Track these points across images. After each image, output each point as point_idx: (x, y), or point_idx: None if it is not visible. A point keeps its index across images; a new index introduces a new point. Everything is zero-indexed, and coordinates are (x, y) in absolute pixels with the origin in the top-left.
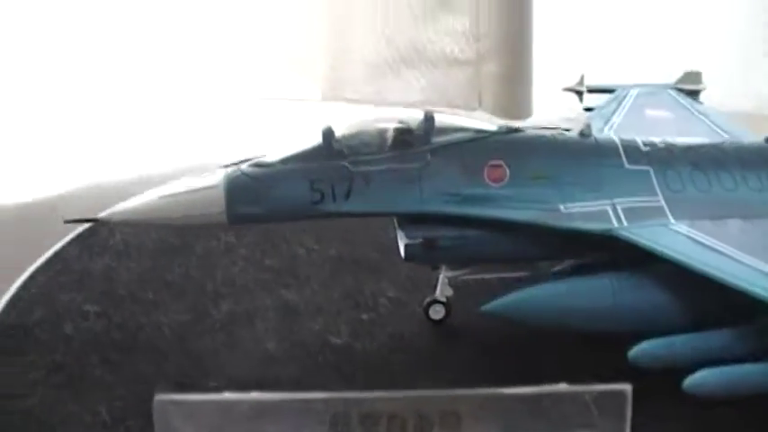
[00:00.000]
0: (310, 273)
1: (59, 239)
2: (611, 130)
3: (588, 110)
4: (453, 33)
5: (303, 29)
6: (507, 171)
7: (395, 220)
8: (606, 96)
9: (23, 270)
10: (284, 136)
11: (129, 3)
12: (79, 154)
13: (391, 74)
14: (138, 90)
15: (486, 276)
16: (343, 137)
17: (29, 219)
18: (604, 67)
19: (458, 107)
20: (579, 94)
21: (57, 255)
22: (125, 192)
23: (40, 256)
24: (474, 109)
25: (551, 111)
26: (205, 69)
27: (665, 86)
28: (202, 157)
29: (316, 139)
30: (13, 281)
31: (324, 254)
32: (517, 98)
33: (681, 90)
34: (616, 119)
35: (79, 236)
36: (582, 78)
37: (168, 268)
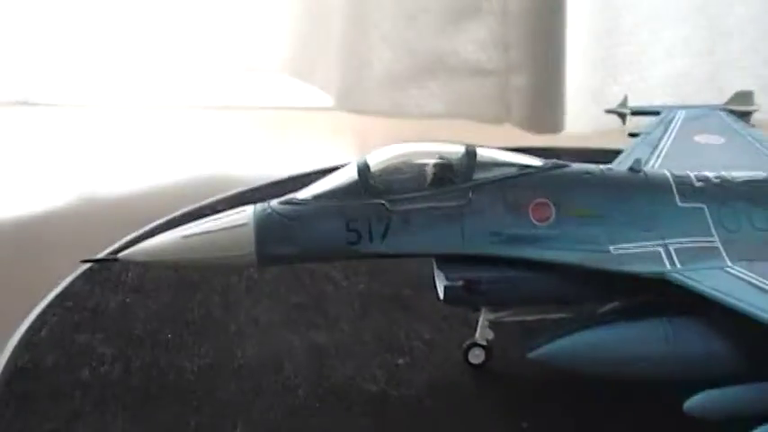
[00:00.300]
0: (339, 311)
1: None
2: (659, 159)
3: (633, 135)
4: (480, 42)
5: (315, 34)
6: (553, 209)
7: (433, 260)
8: (651, 119)
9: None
10: (295, 146)
11: (134, 8)
12: (72, 166)
13: (411, 84)
14: (144, 99)
15: (529, 318)
16: (380, 172)
17: (23, 235)
18: (645, 81)
19: (484, 120)
20: (622, 116)
21: (67, 290)
22: (123, 207)
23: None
24: (501, 122)
25: (585, 125)
26: (209, 75)
27: (714, 108)
28: (207, 168)
29: (350, 175)
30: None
31: (353, 290)
32: (548, 111)
33: (731, 111)
34: (664, 145)
35: (89, 269)
36: (625, 99)
37: (187, 306)
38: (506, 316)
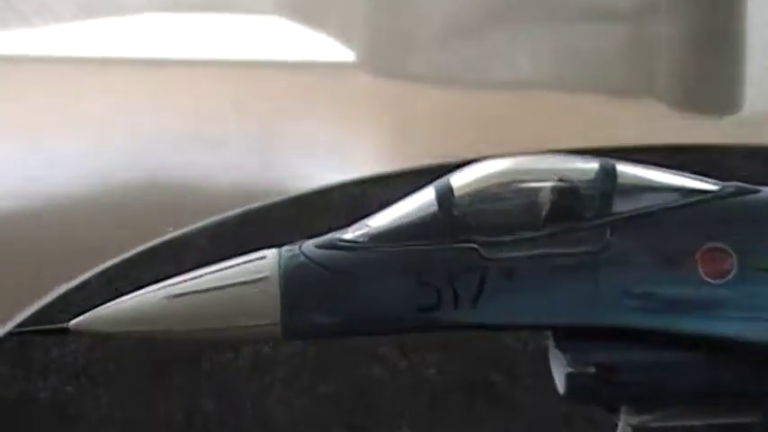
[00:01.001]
0: (396, 407)
1: None
2: None
3: None
4: None
5: None
6: (734, 260)
7: (550, 335)
8: None
9: None
10: (299, 125)
11: None
12: None
13: (480, 33)
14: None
15: (697, 424)
16: (471, 201)
17: None
18: None
19: (607, 92)
20: None
21: None
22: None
23: None
24: (638, 96)
25: None
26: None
27: None
28: (166, 156)
29: (425, 204)
30: None
31: (417, 375)
32: (717, 81)
33: None
34: None
35: (3, 341)
36: None
37: (161, 398)
38: (660, 419)
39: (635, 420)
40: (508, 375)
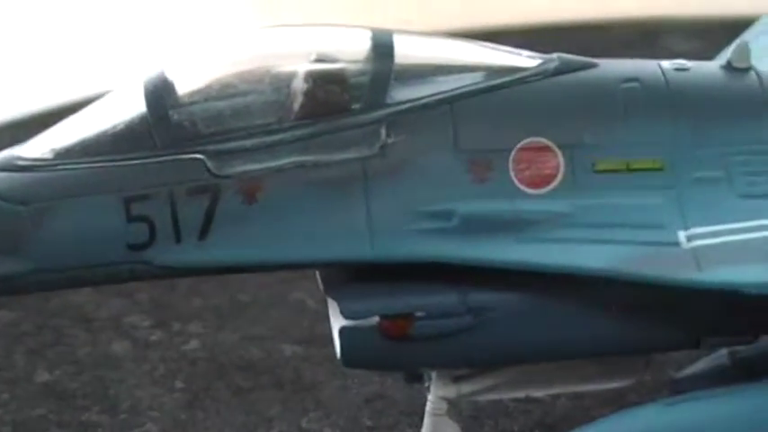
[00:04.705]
0: (143, 400)
1: None
2: None
3: None
4: None
5: None
6: (560, 161)
7: (318, 278)
8: None
9: None
10: None
11: None
12: None
13: None
14: None
15: (536, 395)
16: (192, 96)
17: None
18: None
19: None
20: None
21: None
22: None
23: None
24: None
25: None
26: None
27: None
28: None
29: (130, 104)
30: None
31: (174, 351)
32: None
33: None
34: None
35: None
36: None
37: None
38: (487, 390)
39: (451, 392)
40: (304, 347)
